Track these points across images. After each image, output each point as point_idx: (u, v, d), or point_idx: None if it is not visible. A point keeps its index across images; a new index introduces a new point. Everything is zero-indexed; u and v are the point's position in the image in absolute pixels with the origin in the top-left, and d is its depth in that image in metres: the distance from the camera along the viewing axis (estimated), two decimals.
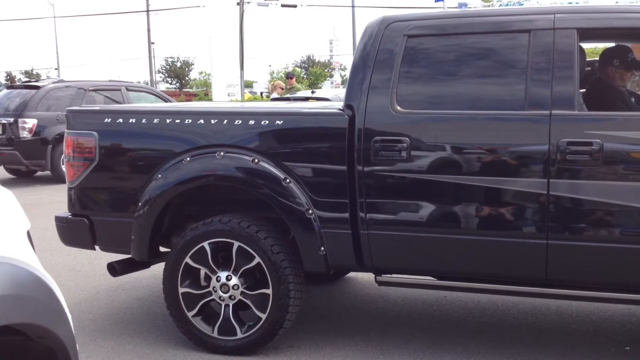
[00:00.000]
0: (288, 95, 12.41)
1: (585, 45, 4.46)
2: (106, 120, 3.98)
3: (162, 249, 4.11)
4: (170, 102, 12.58)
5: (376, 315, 4.45)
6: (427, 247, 3.49)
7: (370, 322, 4.31)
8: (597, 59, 4.20)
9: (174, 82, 70.98)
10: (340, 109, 3.63)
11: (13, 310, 1.75)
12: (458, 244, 3.42)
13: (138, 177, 3.89)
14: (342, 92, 8.46)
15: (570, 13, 3.40)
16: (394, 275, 3.69)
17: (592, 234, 3.23)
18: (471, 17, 3.65)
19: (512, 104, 3.34)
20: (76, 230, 4.08)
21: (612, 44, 4.12)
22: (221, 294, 3.70)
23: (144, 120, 3.91)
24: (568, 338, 3.99)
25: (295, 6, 32.55)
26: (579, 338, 3.99)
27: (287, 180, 3.58)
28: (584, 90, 3.97)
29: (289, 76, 15.35)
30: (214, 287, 3.72)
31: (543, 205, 3.23)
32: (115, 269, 4.07)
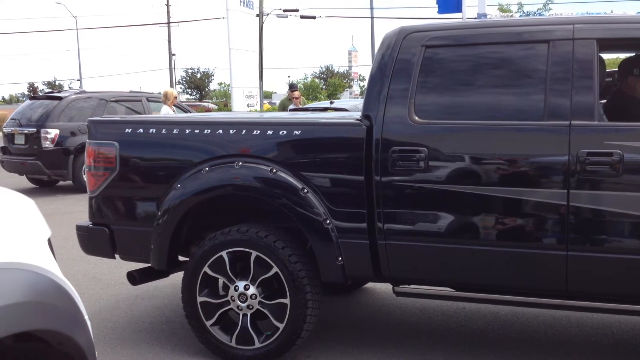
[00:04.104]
0: (307, 106, 12.41)
1: (606, 56, 4.42)
2: (127, 130, 4.03)
3: (181, 258, 4.13)
4: (190, 112, 12.69)
5: (394, 326, 4.43)
6: (446, 258, 3.47)
7: (388, 333, 4.29)
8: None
9: (194, 93, 71.59)
10: (358, 119, 3.64)
11: (34, 316, 1.77)
12: (476, 254, 3.39)
13: (157, 187, 3.92)
14: (360, 102, 8.47)
15: (589, 23, 3.38)
16: (412, 286, 3.67)
17: (613, 246, 3.19)
18: (489, 27, 3.64)
19: (531, 114, 3.32)
20: (97, 239, 4.12)
21: (632, 54, 4.08)
22: (239, 303, 3.72)
23: (163, 131, 3.95)
24: (589, 350, 3.93)
25: (314, 17, 32.74)
26: (600, 350, 3.93)
27: (305, 190, 3.59)
28: (605, 100, 3.94)
29: (292, 88, 14.14)
30: (232, 297, 3.73)
31: (563, 216, 3.21)
32: (134, 278, 4.11)
